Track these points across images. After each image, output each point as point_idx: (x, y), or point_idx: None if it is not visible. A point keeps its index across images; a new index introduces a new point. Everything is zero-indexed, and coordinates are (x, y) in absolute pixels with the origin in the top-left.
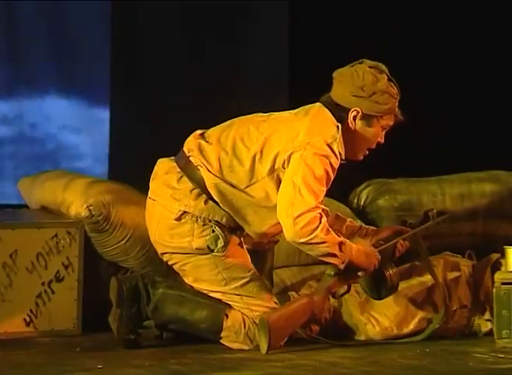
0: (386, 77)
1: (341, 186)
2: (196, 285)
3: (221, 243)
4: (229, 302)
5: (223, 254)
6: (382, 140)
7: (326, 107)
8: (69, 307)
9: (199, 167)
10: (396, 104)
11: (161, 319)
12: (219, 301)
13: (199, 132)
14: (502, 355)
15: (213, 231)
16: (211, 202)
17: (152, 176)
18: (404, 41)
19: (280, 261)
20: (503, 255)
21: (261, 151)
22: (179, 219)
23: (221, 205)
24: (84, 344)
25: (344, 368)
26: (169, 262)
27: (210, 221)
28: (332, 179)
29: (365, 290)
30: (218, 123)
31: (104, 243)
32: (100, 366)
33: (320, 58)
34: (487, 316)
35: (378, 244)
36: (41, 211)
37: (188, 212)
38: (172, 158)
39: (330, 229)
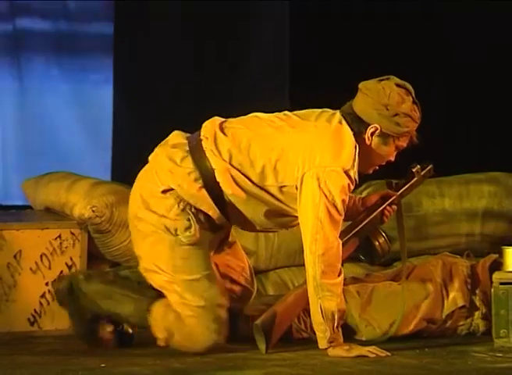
0: (412, 100)
1: None
2: (151, 258)
3: (190, 232)
4: (168, 292)
5: (187, 242)
6: (393, 158)
7: (346, 119)
8: None
9: (207, 152)
10: (415, 128)
11: (99, 313)
12: (147, 293)
13: (219, 120)
14: (500, 355)
15: (188, 220)
16: (204, 191)
17: (162, 142)
18: (405, 40)
19: (281, 261)
20: (501, 255)
21: (276, 162)
22: (164, 191)
23: (224, 189)
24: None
25: (344, 367)
26: (133, 227)
27: (191, 208)
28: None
29: (359, 257)
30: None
31: (107, 243)
32: (103, 365)
33: (320, 58)
34: (485, 315)
35: (365, 215)
36: (45, 212)
37: (176, 190)
38: (188, 134)
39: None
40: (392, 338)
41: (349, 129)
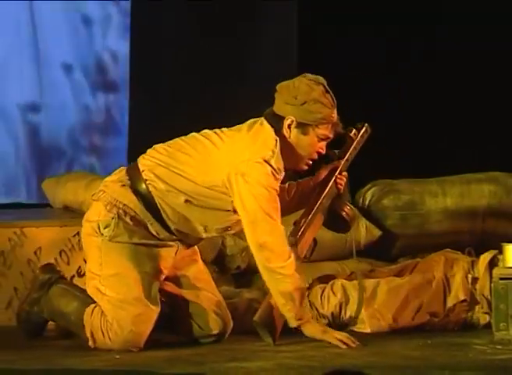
0: (323, 89)
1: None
2: (87, 264)
3: (109, 231)
4: (96, 295)
5: (108, 237)
6: (322, 150)
7: (267, 119)
8: None
9: (139, 161)
10: (333, 115)
11: (51, 312)
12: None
13: None
14: (500, 347)
15: (112, 218)
16: (128, 189)
17: None
18: (413, 40)
19: None
20: (501, 251)
21: (202, 165)
22: (97, 199)
23: (156, 186)
24: None
25: (350, 358)
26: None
27: (118, 209)
28: (278, 192)
29: (329, 229)
30: (227, 121)
31: None
32: (117, 357)
33: (329, 58)
34: (485, 309)
35: (320, 190)
36: (64, 210)
37: (104, 192)
38: None
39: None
40: (396, 331)
41: (269, 126)
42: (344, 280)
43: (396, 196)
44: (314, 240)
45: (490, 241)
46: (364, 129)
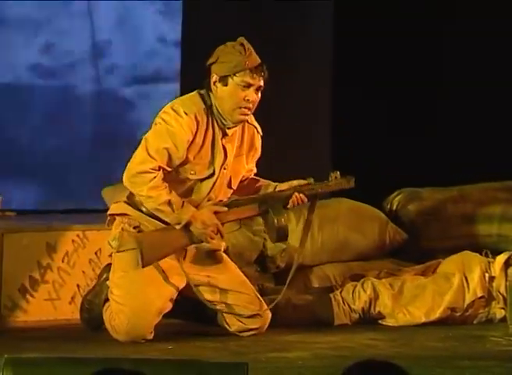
0: (235, 43)
1: (376, 194)
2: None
3: (115, 242)
4: (110, 295)
5: (116, 248)
6: (250, 97)
7: (203, 87)
8: None
9: None
10: (247, 62)
11: (100, 303)
12: None
13: None
14: None
15: (119, 232)
16: (123, 203)
17: None
18: (439, 46)
19: (324, 258)
20: None
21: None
22: (108, 224)
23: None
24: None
25: (379, 349)
26: None
27: (124, 224)
28: (187, 137)
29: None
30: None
31: None
32: (170, 347)
33: (366, 57)
34: (501, 305)
35: (272, 193)
36: None
37: (111, 215)
38: None
39: (162, 187)
40: (421, 325)
41: (197, 91)
42: (374, 279)
43: (420, 202)
44: (240, 222)
45: (505, 244)
46: (347, 181)
